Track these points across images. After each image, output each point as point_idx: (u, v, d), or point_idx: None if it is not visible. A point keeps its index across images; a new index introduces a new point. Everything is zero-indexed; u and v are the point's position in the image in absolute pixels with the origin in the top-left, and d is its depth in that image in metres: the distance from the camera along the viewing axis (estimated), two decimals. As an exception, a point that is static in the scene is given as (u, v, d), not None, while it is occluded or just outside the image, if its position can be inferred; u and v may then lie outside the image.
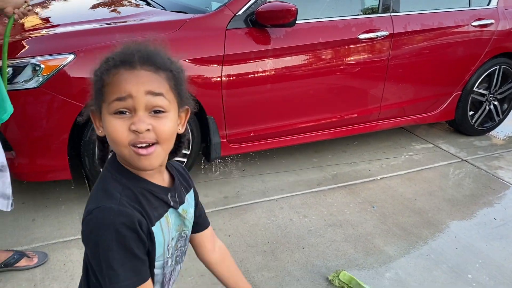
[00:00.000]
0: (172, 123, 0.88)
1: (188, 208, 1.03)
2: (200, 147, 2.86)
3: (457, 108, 3.70)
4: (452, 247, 2.40)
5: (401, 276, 2.16)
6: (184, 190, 1.04)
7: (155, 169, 0.92)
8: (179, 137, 1.00)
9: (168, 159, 0.99)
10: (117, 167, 0.91)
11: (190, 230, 1.07)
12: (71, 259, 2.20)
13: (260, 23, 2.67)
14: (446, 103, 3.63)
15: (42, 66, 2.30)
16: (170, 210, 0.96)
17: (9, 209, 2.00)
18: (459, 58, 3.48)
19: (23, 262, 2.10)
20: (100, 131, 0.91)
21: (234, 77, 2.69)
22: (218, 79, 2.65)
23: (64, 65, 2.32)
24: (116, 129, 0.84)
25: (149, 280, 0.90)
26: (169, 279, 1.01)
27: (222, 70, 2.64)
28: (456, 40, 3.43)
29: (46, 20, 2.92)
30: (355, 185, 3.02)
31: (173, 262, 1.01)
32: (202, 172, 3.16)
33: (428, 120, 3.66)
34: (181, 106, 0.92)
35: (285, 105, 2.95)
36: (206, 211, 2.75)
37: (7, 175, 1.93)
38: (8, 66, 2.29)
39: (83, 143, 2.49)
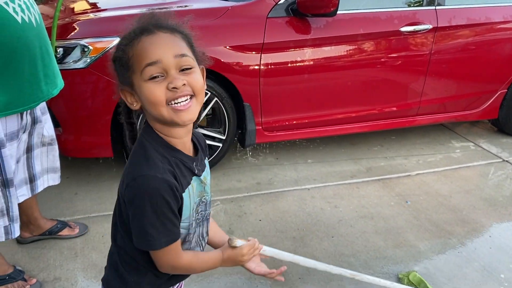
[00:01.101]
0: (200, 76, 0.97)
1: (207, 175, 1.11)
2: (235, 133, 2.92)
3: (501, 107, 3.58)
4: (485, 246, 2.35)
5: (430, 270, 2.15)
6: (204, 158, 1.12)
7: (186, 134, 1.01)
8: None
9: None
10: (153, 136, 0.99)
11: (210, 196, 1.14)
12: (109, 232, 2.32)
13: (301, 12, 2.69)
14: (490, 101, 3.52)
15: (90, 47, 2.42)
16: (194, 177, 1.04)
17: (58, 182, 2.13)
18: (506, 55, 3.36)
19: (65, 231, 2.24)
20: (135, 105, 0.97)
21: (272, 66, 2.72)
22: (257, 67, 2.69)
23: (111, 48, 2.43)
24: (155, 91, 0.91)
25: (179, 240, 1.01)
26: (192, 238, 1.10)
27: (261, 58, 2.68)
28: (504, 37, 3.31)
29: (93, 4, 3.05)
30: (390, 179, 3.00)
31: (194, 225, 1.09)
32: (237, 158, 3.23)
33: (470, 118, 3.57)
34: (199, 64, 0.99)
35: (323, 96, 2.96)
36: (238, 195, 2.82)
37: (56, 148, 2.06)
38: (59, 47, 2.42)
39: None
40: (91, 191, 2.69)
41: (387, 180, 2.99)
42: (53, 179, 2.09)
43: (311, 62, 2.81)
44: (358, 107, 3.11)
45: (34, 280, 1.94)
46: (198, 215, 1.10)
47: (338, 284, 2.04)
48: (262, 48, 2.66)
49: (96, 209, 2.52)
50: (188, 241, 1.09)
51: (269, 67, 2.71)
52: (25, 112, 1.78)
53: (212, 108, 2.78)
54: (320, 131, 3.09)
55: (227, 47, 2.61)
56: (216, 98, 2.71)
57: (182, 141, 1.01)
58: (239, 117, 2.86)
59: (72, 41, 2.44)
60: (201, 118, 2.77)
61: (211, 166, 2.94)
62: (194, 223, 1.07)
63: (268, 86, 2.76)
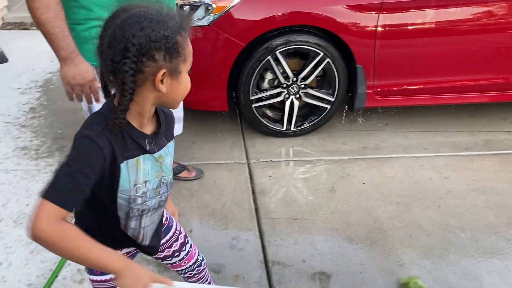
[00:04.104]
0: None
1: (165, 155, 1.10)
2: (345, 95, 2.92)
3: None
4: None
5: (547, 252, 2.00)
6: (165, 139, 1.10)
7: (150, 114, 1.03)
8: None
9: None
10: (111, 108, 0.98)
11: (171, 177, 1.14)
12: (221, 178, 2.53)
13: (426, -30, 2.54)
14: None
15: (214, 6, 2.56)
16: (147, 155, 1.04)
17: (181, 132, 2.35)
18: None
19: (184, 174, 2.49)
20: (164, 88, 0.95)
21: (391, 27, 2.63)
22: (373, 28, 2.62)
23: (232, 7, 2.55)
24: (189, 83, 1.00)
25: (67, 211, 0.90)
26: (140, 216, 1.10)
27: (378, 19, 2.60)
28: None
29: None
30: (509, 155, 2.78)
31: (152, 204, 1.10)
32: (343, 121, 3.23)
33: None
34: None
35: (442, 61, 2.80)
36: (342, 157, 2.84)
37: (180, 99, 2.27)
38: (186, 5, 2.61)
39: (240, 82, 2.74)
40: (206, 141, 2.92)
41: (506, 155, 2.77)
42: (178, 129, 2.32)
43: (433, 25, 2.65)
44: (481, 75, 2.89)
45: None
46: (161, 196, 1.11)
47: (440, 253, 2.01)
48: (380, 8, 2.58)
49: (211, 158, 2.74)
50: (134, 217, 1.09)
51: (387, 28, 2.63)
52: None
53: (323, 69, 2.79)
54: (436, 98, 2.94)
55: (344, 6, 2.58)
56: (328, 59, 2.71)
57: (141, 119, 1.01)
58: (349, 79, 2.84)
59: (197, 0, 2.61)
60: (312, 78, 2.81)
61: (317, 127, 3.00)
62: (141, 199, 1.06)
63: (383, 49, 2.69)
